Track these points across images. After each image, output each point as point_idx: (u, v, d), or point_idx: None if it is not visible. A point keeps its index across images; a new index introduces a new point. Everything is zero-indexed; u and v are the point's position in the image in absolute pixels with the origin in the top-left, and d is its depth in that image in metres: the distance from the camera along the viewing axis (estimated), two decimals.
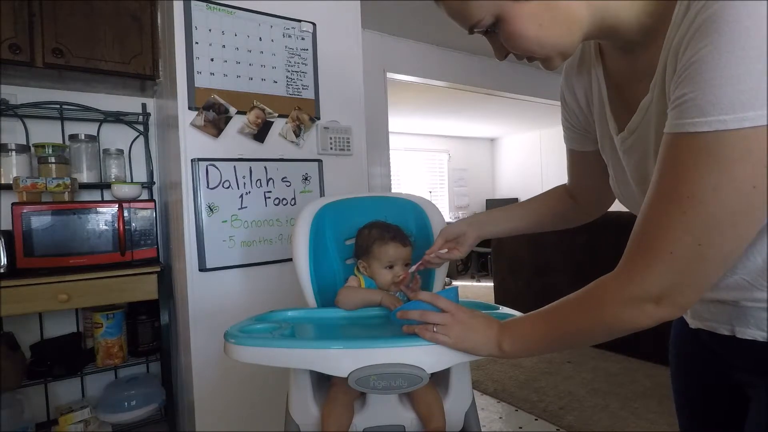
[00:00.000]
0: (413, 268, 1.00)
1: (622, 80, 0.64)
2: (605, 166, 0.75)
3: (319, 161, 1.76)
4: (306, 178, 1.73)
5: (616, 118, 0.66)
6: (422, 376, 0.73)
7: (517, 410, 2.23)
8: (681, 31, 0.47)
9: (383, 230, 1.05)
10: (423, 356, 0.74)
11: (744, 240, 0.47)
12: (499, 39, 0.59)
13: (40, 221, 1.58)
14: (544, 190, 0.98)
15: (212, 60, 1.55)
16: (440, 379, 0.99)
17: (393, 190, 4.39)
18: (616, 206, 0.86)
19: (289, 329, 0.89)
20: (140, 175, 2.07)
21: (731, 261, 0.49)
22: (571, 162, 0.88)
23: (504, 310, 0.90)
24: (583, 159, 0.83)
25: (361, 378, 0.72)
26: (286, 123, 1.69)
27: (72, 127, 1.92)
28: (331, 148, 1.78)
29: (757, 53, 0.40)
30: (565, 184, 0.94)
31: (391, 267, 1.03)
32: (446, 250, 0.98)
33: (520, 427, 2.06)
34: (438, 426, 0.91)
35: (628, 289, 0.52)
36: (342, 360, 0.73)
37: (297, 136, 1.71)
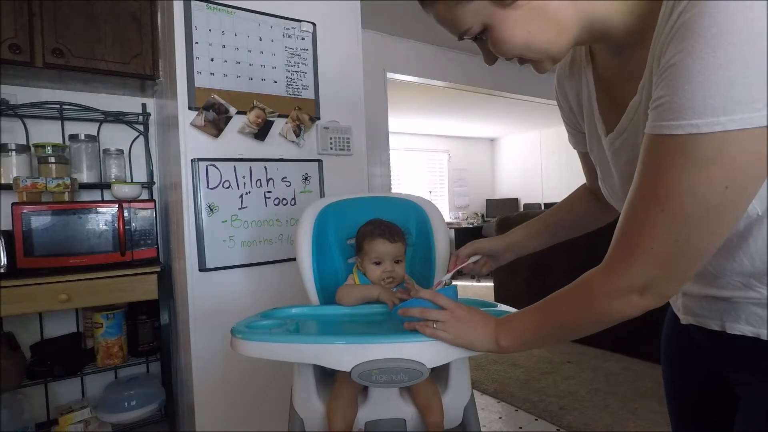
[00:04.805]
0: (446, 276, 0.98)
1: (611, 81, 0.65)
2: None
3: (319, 161, 1.76)
4: (306, 178, 1.74)
5: (605, 119, 0.66)
6: (422, 371, 0.75)
7: (517, 410, 2.23)
8: (664, 32, 0.48)
9: (374, 227, 1.07)
10: (423, 351, 0.75)
11: (719, 236, 0.49)
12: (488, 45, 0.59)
13: (40, 221, 1.58)
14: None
15: (212, 60, 1.55)
16: (440, 375, 1.00)
17: (393, 190, 4.40)
18: None
19: (294, 325, 0.90)
20: (140, 175, 2.08)
21: (708, 255, 0.51)
22: (582, 161, 0.88)
23: (502, 307, 0.91)
24: (588, 159, 0.84)
25: (363, 372, 0.74)
26: (286, 123, 1.69)
27: (72, 127, 1.92)
28: (331, 148, 1.78)
29: (728, 59, 0.41)
30: (585, 183, 0.94)
31: (378, 263, 1.04)
32: (477, 258, 0.98)
33: (520, 427, 2.06)
34: (435, 419, 0.93)
35: (614, 282, 0.55)
36: (345, 355, 0.75)
37: (297, 136, 1.71)
